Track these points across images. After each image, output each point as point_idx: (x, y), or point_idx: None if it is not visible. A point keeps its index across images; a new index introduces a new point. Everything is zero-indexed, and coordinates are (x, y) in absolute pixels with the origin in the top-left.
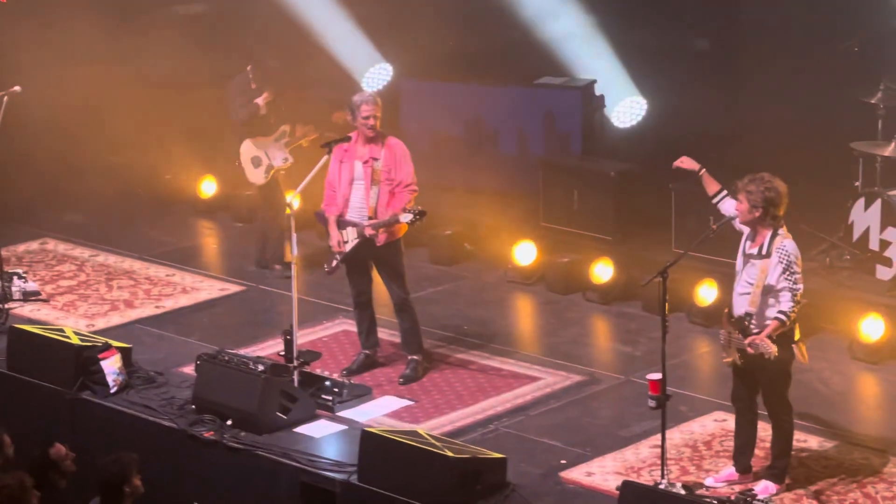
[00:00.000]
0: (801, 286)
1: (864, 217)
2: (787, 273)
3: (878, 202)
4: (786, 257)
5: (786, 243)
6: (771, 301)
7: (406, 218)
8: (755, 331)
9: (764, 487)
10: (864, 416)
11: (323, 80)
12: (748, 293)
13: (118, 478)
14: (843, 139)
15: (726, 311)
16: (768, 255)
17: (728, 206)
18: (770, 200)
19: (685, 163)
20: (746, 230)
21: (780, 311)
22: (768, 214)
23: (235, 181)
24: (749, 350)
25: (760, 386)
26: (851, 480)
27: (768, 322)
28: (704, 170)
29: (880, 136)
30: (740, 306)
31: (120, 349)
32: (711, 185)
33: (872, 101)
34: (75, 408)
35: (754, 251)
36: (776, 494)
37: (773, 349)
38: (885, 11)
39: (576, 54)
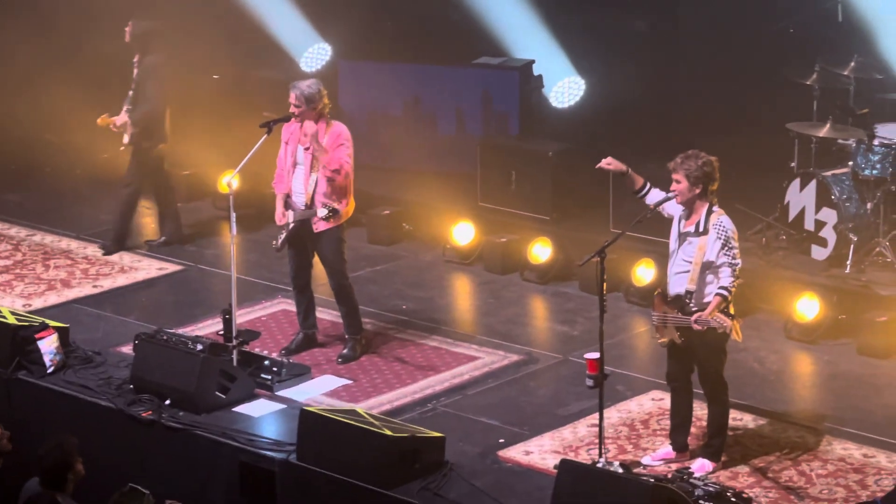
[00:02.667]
0: (739, 261)
1: (800, 197)
2: (726, 248)
3: (814, 183)
4: (724, 233)
5: (722, 219)
6: (710, 278)
7: (322, 213)
8: (694, 308)
9: (700, 465)
10: (800, 394)
11: (261, 61)
12: (686, 272)
13: (63, 465)
14: (778, 120)
15: (658, 292)
16: (705, 231)
17: (654, 197)
18: (709, 175)
19: (612, 164)
20: (678, 211)
21: (722, 287)
22: (707, 189)
23: (174, 161)
24: (696, 327)
25: (696, 364)
26: (786, 458)
27: (707, 299)
28: (630, 169)
29: (815, 117)
30: (677, 286)
31: (57, 329)
32: (637, 181)
33: (808, 83)
34: (11, 388)
35: (691, 229)
36: (712, 472)
37: (728, 323)
38: None
39: (514, 34)
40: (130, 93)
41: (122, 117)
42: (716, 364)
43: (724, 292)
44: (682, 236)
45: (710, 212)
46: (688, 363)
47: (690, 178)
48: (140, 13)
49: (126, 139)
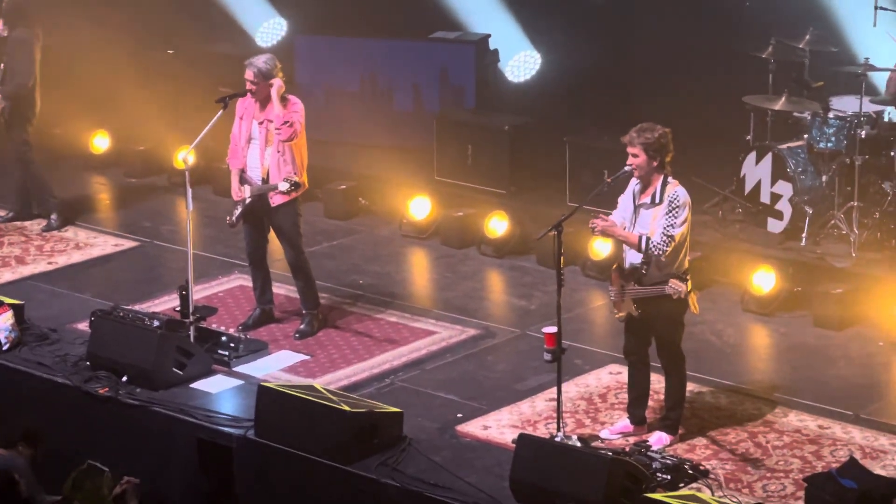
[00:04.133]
0: (677, 231)
1: (756, 170)
2: (669, 216)
3: (770, 156)
4: (674, 201)
5: (677, 190)
6: None
7: (283, 187)
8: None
9: (658, 438)
10: (756, 366)
11: (217, 36)
12: None
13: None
14: (735, 93)
15: (615, 266)
16: (661, 202)
17: (641, 223)
18: (665, 146)
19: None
20: (634, 186)
21: (649, 238)
22: (663, 161)
23: (128, 136)
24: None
25: (654, 337)
26: (743, 430)
27: (665, 269)
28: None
29: (771, 91)
30: (633, 257)
31: (12, 306)
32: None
33: (763, 56)
34: None
35: (646, 200)
36: (670, 445)
37: (682, 288)
38: None
39: (470, 9)
40: (1, 66)
41: None
42: (673, 336)
43: (645, 238)
44: (638, 208)
45: (665, 183)
46: (645, 337)
47: (649, 151)
48: None
49: None
